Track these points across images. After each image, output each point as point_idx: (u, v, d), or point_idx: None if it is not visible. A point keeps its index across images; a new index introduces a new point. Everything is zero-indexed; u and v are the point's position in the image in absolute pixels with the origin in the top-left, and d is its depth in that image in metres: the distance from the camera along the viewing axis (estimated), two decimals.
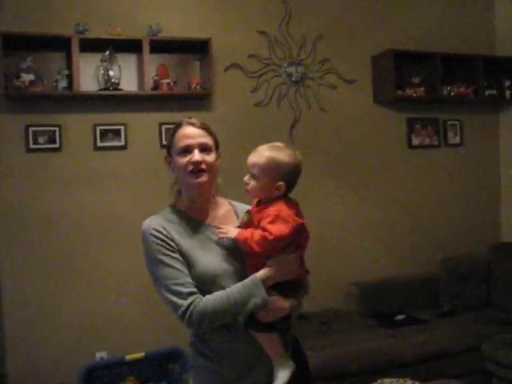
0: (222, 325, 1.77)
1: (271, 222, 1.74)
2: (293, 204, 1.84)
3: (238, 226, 1.89)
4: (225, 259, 1.83)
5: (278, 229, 1.73)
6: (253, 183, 1.81)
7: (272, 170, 1.80)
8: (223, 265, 1.81)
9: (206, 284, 1.77)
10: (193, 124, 1.87)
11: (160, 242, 1.79)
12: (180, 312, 1.72)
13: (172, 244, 1.80)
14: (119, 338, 3.91)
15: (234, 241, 1.80)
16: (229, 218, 1.96)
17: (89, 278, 3.86)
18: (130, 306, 3.93)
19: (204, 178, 1.85)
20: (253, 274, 1.79)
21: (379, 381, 3.09)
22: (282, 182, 1.82)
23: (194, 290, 1.76)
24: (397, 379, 3.04)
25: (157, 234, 1.80)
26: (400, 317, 4.20)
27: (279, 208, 1.78)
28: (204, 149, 1.85)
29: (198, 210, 1.91)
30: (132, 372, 3.86)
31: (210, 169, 1.86)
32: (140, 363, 3.88)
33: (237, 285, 1.75)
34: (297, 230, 1.78)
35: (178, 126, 1.88)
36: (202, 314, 1.71)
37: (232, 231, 1.82)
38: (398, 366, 3.65)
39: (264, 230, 1.74)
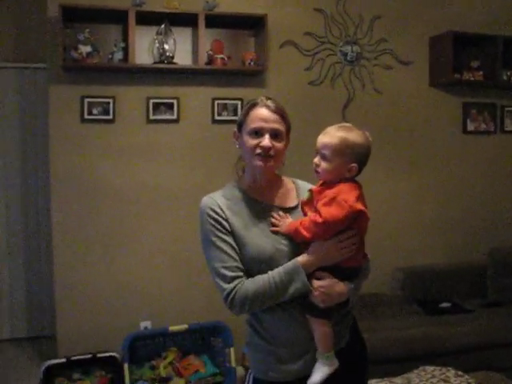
0: (278, 306, 1.77)
1: (326, 204, 1.70)
2: (357, 187, 1.78)
3: (298, 205, 1.88)
4: (280, 239, 1.80)
5: (329, 212, 1.68)
6: (324, 165, 1.76)
7: (345, 151, 1.74)
8: (277, 245, 1.79)
9: (259, 264, 1.77)
10: (268, 107, 1.82)
11: (213, 223, 1.79)
12: (224, 295, 1.74)
13: (225, 225, 1.79)
14: (163, 310, 3.98)
15: (286, 234, 1.78)
16: (289, 197, 1.93)
17: (136, 250, 3.93)
18: (175, 278, 3.99)
19: (270, 164, 1.83)
20: None
21: (421, 368, 3.06)
22: (354, 163, 1.77)
23: (240, 274, 1.75)
24: (439, 368, 3.01)
25: (212, 213, 1.80)
26: (445, 304, 4.14)
27: (339, 190, 1.72)
28: (275, 135, 1.81)
29: (258, 190, 1.89)
30: (174, 343, 3.94)
31: (278, 155, 1.83)
32: (183, 335, 3.96)
33: (278, 269, 1.74)
34: (352, 217, 1.71)
35: (254, 105, 1.83)
36: (244, 298, 1.71)
37: (283, 225, 1.79)
38: (440, 355, 3.61)
39: (316, 211, 1.72)
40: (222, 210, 1.81)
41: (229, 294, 1.73)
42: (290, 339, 1.80)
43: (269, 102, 1.83)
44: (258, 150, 1.79)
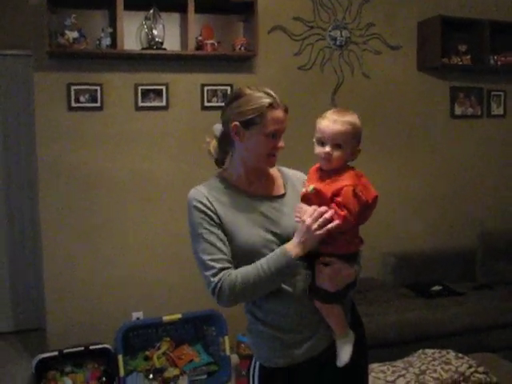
0: (280, 291, 1.76)
1: (351, 200, 1.68)
2: (362, 174, 1.79)
3: (285, 194, 1.88)
4: (268, 230, 1.79)
5: (355, 209, 1.67)
6: (338, 153, 1.73)
7: (355, 135, 1.76)
8: (267, 235, 1.77)
9: (249, 255, 1.75)
10: (281, 108, 1.78)
11: (201, 215, 1.77)
12: (211, 287, 1.71)
13: (214, 217, 1.77)
14: (155, 299, 3.93)
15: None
16: (276, 185, 1.91)
17: (127, 238, 3.87)
18: (166, 267, 3.94)
19: (275, 161, 1.86)
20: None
21: (420, 351, 3.07)
22: (359, 147, 1.79)
23: (228, 265, 1.73)
24: (439, 350, 3.02)
25: (199, 205, 1.78)
26: (436, 288, 4.17)
27: (352, 182, 1.71)
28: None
29: (245, 181, 1.86)
30: (168, 333, 3.90)
31: None
32: (176, 325, 3.92)
33: (266, 257, 1.72)
34: (367, 206, 1.74)
35: (271, 105, 1.76)
36: (232, 287, 1.69)
37: (308, 212, 1.71)
38: (435, 337, 3.64)
39: (345, 207, 1.67)
40: (209, 202, 1.78)
41: (216, 284, 1.70)
42: (293, 323, 1.79)
43: (280, 102, 1.78)
44: (275, 152, 1.80)
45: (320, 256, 1.76)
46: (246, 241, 1.75)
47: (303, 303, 1.79)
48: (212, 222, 1.76)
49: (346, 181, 1.71)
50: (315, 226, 1.66)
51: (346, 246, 1.77)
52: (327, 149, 1.73)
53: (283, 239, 1.77)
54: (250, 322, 1.88)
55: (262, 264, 1.70)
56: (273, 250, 1.74)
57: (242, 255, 1.75)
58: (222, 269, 1.72)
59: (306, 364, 1.82)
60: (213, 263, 1.72)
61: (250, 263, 1.74)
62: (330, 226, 1.66)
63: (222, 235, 1.76)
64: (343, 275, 1.76)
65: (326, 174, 1.77)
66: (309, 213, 1.69)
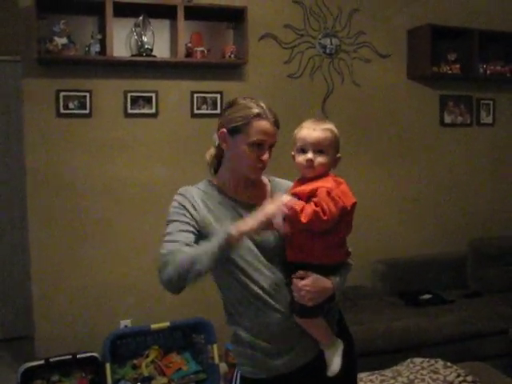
0: (257, 299, 1.75)
1: (325, 200, 1.67)
2: (341, 181, 1.78)
3: None
4: (250, 237, 1.76)
5: (330, 209, 1.65)
6: (321, 159, 1.74)
7: (335, 142, 1.78)
8: (248, 243, 1.76)
9: (230, 260, 1.74)
10: (269, 120, 1.78)
11: (180, 206, 1.78)
12: (158, 265, 1.69)
13: (192, 212, 1.77)
14: (143, 308, 3.90)
15: (286, 206, 1.65)
16: (262, 195, 1.90)
17: (115, 246, 3.84)
18: (155, 275, 3.88)
19: (261, 174, 1.86)
20: (290, 253, 1.76)
21: (409, 360, 3.06)
22: (339, 154, 1.81)
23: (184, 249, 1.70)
24: (427, 359, 3.01)
25: (181, 198, 1.79)
26: (426, 296, 4.16)
27: (330, 186, 1.71)
28: (270, 146, 1.81)
29: (234, 188, 1.87)
30: (156, 341, 3.87)
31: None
32: (165, 333, 3.89)
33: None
34: (345, 211, 1.71)
35: (258, 115, 1.76)
36: (172, 262, 1.65)
37: (285, 199, 1.70)
38: (424, 346, 3.63)
39: (318, 205, 1.66)
40: (194, 199, 1.79)
41: (162, 260, 1.67)
42: (275, 334, 1.78)
43: (270, 115, 1.79)
44: (260, 165, 1.79)
45: (298, 270, 1.75)
46: None
47: (285, 315, 1.77)
48: (188, 216, 1.76)
49: (322, 183, 1.72)
50: (271, 207, 1.63)
51: (324, 255, 1.75)
52: (309, 155, 1.74)
53: (263, 248, 1.78)
54: (234, 333, 1.87)
55: (201, 244, 1.69)
56: (254, 258, 1.76)
57: (223, 259, 1.72)
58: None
59: (288, 376, 1.81)
60: (172, 244, 1.70)
61: (229, 269, 1.74)
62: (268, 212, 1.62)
63: (192, 230, 1.74)
64: (319, 289, 1.73)
65: (306, 182, 1.78)
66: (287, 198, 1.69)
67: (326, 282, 1.74)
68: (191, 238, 1.73)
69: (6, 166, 4.64)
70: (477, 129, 4.79)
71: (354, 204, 1.75)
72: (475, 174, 4.79)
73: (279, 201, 1.66)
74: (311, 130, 1.76)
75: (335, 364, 1.79)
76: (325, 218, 1.64)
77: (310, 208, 1.66)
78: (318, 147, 1.74)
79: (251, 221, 1.63)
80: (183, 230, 1.74)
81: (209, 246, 1.64)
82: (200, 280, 1.66)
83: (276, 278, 1.78)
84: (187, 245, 1.70)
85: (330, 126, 1.79)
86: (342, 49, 4.31)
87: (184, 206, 1.78)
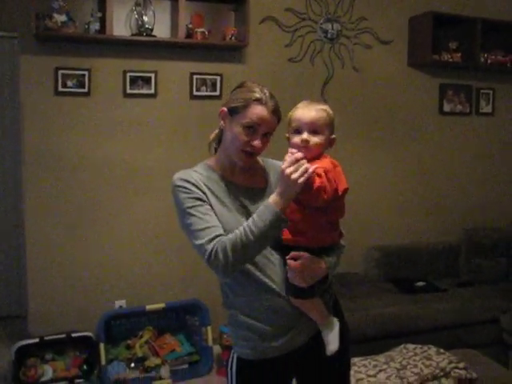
0: (253, 280, 1.76)
1: (326, 178, 1.67)
2: (336, 163, 1.77)
3: (267, 187, 1.89)
4: (246, 219, 1.78)
5: (329, 189, 1.66)
6: (316, 139, 1.74)
7: (330, 123, 1.79)
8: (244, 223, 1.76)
9: None
10: (268, 107, 1.77)
11: (188, 191, 1.77)
12: (206, 256, 1.69)
13: (201, 193, 1.77)
14: (139, 288, 3.91)
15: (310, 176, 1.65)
16: (259, 177, 1.92)
17: (111, 227, 3.84)
18: (151, 256, 3.92)
19: (252, 160, 1.85)
20: (284, 235, 1.77)
21: (402, 345, 3.09)
22: (334, 135, 1.81)
23: (222, 232, 1.72)
24: (420, 346, 3.04)
25: (185, 184, 1.78)
26: (420, 283, 4.19)
27: (327, 166, 1.71)
28: (265, 134, 1.80)
29: (231, 170, 1.87)
30: (151, 322, 3.89)
31: (260, 152, 1.84)
32: (159, 314, 3.91)
33: (252, 216, 1.70)
34: (336, 195, 1.71)
35: (258, 100, 1.76)
36: (224, 250, 1.66)
37: (286, 162, 1.68)
38: (416, 333, 3.66)
39: (322, 182, 1.66)
40: (197, 182, 1.79)
41: (211, 252, 1.67)
42: (271, 315, 1.79)
43: (270, 102, 1.78)
44: (248, 148, 1.78)
45: (292, 251, 1.76)
46: (229, 228, 1.74)
47: (282, 297, 1.79)
48: (200, 197, 1.76)
49: (319, 163, 1.71)
50: (295, 174, 1.63)
51: (317, 237, 1.76)
52: (304, 135, 1.74)
53: None
54: (230, 314, 1.88)
55: (248, 224, 1.68)
56: None
57: None
58: (217, 235, 1.70)
59: (284, 358, 1.82)
60: (206, 231, 1.71)
61: None
62: (309, 171, 1.63)
63: (211, 209, 1.76)
64: (313, 270, 1.75)
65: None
66: (288, 161, 1.66)
67: (320, 263, 1.76)
68: (215, 217, 1.75)
69: (2, 144, 4.59)
70: (476, 118, 4.79)
71: (346, 190, 1.74)
72: (473, 164, 4.80)
73: (307, 172, 1.64)
74: (306, 111, 1.76)
75: (333, 343, 1.80)
76: (325, 196, 1.66)
77: (315, 183, 1.66)
78: (313, 127, 1.74)
79: (288, 191, 1.65)
80: (207, 214, 1.74)
81: (257, 228, 1.65)
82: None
83: (273, 260, 1.79)
84: (220, 227, 1.73)
85: (324, 106, 1.80)
86: (343, 34, 4.28)
87: (190, 190, 1.77)
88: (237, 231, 1.69)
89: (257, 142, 1.77)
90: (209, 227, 1.71)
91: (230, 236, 1.69)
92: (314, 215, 1.73)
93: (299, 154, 1.66)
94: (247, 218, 1.77)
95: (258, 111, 1.76)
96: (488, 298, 4.02)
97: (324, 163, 1.73)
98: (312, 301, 1.79)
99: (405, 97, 4.52)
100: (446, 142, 4.69)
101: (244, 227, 1.68)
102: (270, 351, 1.81)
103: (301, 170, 1.63)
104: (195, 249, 1.74)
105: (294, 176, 1.62)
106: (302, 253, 1.75)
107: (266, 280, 1.78)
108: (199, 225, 1.72)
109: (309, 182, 1.64)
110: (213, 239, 1.69)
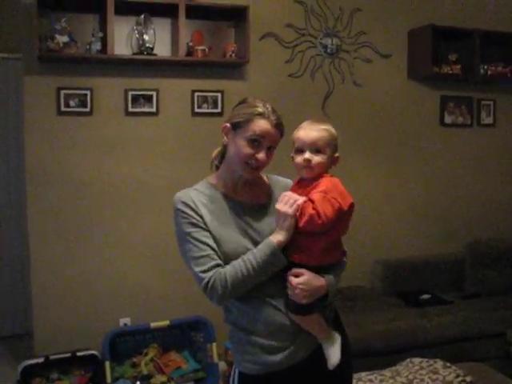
0: (254, 296, 1.78)
1: (321, 204, 1.69)
2: (338, 182, 1.79)
3: (270, 203, 1.90)
4: (250, 238, 1.81)
5: (325, 213, 1.68)
6: (318, 158, 1.77)
7: (333, 142, 1.81)
8: (248, 244, 1.79)
9: (231, 260, 1.76)
10: (272, 121, 1.80)
11: (187, 216, 1.78)
12: (203, 285, 1.72)
13: (198, 218, 1.78)
14: (143, 306, 3.90)
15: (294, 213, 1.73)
16: (262, 194, 1.93)
17: (114, 245, 3.84)
18: (155, 273, 3.92)
19: (256, 174, 1.87)
20: (289, 253, 1.78)
21: (408, 359, 3.07)
22: (337, 154, 1.83)
23: (219, 262, 1.75)
24: (426, 359, 3.02)
25: (184, 208, 1.79)
26: (425, 296, 4.17)
27: (327, 188, 1.73)
28: (269, 148, 1.82)
29: (233, 187, 1.88)
30: (155, 339, 3.88)
31: (265, 166, 1.85)
32: (164, 331, 3.90)
33: (252, 250, 1.75)
34: (342, 212, 1.73)
35: (260, 114, 1.79)
36: (224, 282, 1.70)
37: (281, 201, 1.77)
38: (422, 346, 3.64)
39: (315, 209, 1.69)
40: (195, 205, 1.80)
41: (208, 281, 1.71)
42: (271, 330, 1.80)
43: (273, 116, 1.81)
44: (253, 162, 1.80)
45: (293, 267, 1.78)
46: (229, 248, 1.77)
47: (282, 312, 1.80)
48: (199, 223, 1.78)
49: (319, 186, 1.75)
50: (285, 207, 1.72)
51: (320, 256, 1.78)
52: (307, 155, 1.77)
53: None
54: (231, 329, 1.89)
55: (248, 258, 1.72)
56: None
57: (224, 262, 1.77)
58: (214, 266, 1.73)
59: (286, 372, 1.82)
60: (202, 260, 1.73)
61: None
62: (298, 202, 1.72)
63: (209, 235, 1.77)
64: (313, 287, 1.75)
65: (304, 184, 1.81)
66: (282, 200, 1.75)
67: (320, 281, 1.77)
68: (214, 246, 1.77)
69: (6, 164, 4.63)
70: (477, 129, 4.79)
71: (352, 204, 1.76)
72: (475, 175, 4.79)
73: (296, 204, 1.73)
74: (308, 131, 1.80)
75: (334, 356, 1.81)
76: (319, 221, 1.67)
77: (307, 211, 1.70)
78: (315, 147, 1.77)
79: (283, 229, 1.74)
80: (204, 242, 1.76)
81: (255, 263, 1.71)
82: None
83: (275, 277, 1.79)
84: (218, 256, 1.76)
85: (326, 126, 1.82)
86: (343, 48, 4.30)
87: (189, 215, 1.78)
88: (235, 264, 1.72)
89: (261, 155, 1.79)
90: (205, 256, 1.74)
91: (229, 268, 1.72)
92: (315, 237, 1.74)
93: (288, 192, 1.77)
94: (250, 237, 1.79)
95: (261, 125, 1.78)
96: (494, 310, 3.99)
97: (324, 184, 1.75)
98: (311, 317, 1.79)
99: (406, 110, 4.53)
100: (448, 153, 4.69)
101: (244, 260, 1.72)
102: (271, 365, 1.81)
103: (289, 202, 1.72)
104: (192, 274, 1.77)
105: (284, 209, 1.71)
106: (302, 270, 1.76)
107: (265, 295, 1.79)
108: (196, 252, 1.75)
109: (302, 212, 1.70)
110: (209, 270, 1.72)
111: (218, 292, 1.70)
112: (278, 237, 1.73)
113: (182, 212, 1.79)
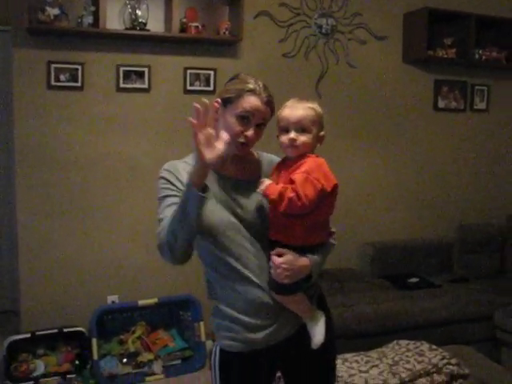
0: (236, 273, 1.77)
1: (302, 185, 1.66)
2: (324, 162, 1.76)
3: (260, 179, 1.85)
4: (234, 212, 1.79)
5: (306, 194, 1.65)
6: (303, 138, 1.74)
7: (319, 120, 1.78)
8: (231, 218, 1.78)
9: (212, 234, 1.76)
10: (263, 98, 1.77)
11: (168, 182, 1.79)
12: (157, 244, 1.73)
13: (179, 185, 1.77)
14: (131, 284, 3.90)
15: (264, 194, 1.72)
16: (252, 170, 1.91)
17: (103, 222, 3.82)
18: (143, 251, 3.90)
19: (246, 150, 1.84)
20: (272, 232, 1.77)
21: (395, 341, 3.08)
22: (323, 132, 1.80)
23: None
24: (413, 341, 3.03)
25: (168, 175, 1.80)
26: (413, 279, 4.19)
27: (309, 168, 1.70)
28: (258, 125, 1.79)
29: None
30: (143, 317, 3.88)
31: (254, 142, 1.83)
32: (152, 309, 3.90)
33: None
34: (323, 195, 1.70)
35: (251, 91, 1.77)
36: (165, 234, 1.69)
37: (266, 184, 1.74)
38: (410, 329, 3.66)
39: (294, 191, 1.66)
40: (179, 172, 1.80)
41: (157, 236, 1.71)
42: (255, 308, 1.79)
43: (264, 93, 1.78)
44: (242, 139, 1.78)
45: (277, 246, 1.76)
46: (209, 220, 1.74)
47: (264, 290, 1.79)
48: (177, 191, 1.76)
49: (303, 166, 1.72)
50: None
51: (304, 236, 1.76)
52: (292, 135, 1.74)
53: (247, 223, 1.79)
54: (215, 306, 1.88)
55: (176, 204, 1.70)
56: (237, 232, 1.77)
57: (205, 233, 1.76)
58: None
59: (267, 351, 1.83)
60: (162, 221, 1.73)
61: (214, 242, 1.76)
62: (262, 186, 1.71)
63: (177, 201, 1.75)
64: (296, 267, 1.74)
65: (289, 163, 1.78)
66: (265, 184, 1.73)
67: (303, 261, 1.75)
68: None
69: None
70: (470, 114, 4.79)
71: (335, 186, 1.73)
72: (466, 160, 4.80)
73: (262, 187, 1.72)
74: (293, 109, 1.76)
75: (318, 336, 1.80)
76: (299, 203, 1.64)
77: (285, 195, 1.66)
78: (301, 126, 1.74)
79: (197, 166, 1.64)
80: (172, 204, 1.74)
81: (179, 207, 1.66)
82: (190, 241, 1.71)
83: (259, 255, 1.79)
84: None
85: (312, 104, 1.79)
86: (338, 29, 4.27)
87: (169, 181, 1.79)
88: (169, 216, 1.71)
89: (250, 133, 1.77)
90: (166, 216, 1.72)
91: (167, 219, 1.71)
92: (302, 217, 1.72)
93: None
94: (232, 211, 1.78)
95: (252, 101, 1.76)
96: (481, 294, 4.03)
97: (307, 164, 1.72)
98: (295, 296, 1.78)
99: (399, 93, 4.52)
100: (441, 138, 4.69)
101: (174, 212, 1.69)
102: (253, 343, 1.80)
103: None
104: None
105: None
106: (285, 250, 1.74)
107: (248, 273, 1.78)
108: (161, 214, 1.75)
109: (281, 197, 1.67)
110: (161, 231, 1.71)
111: (162, 248, 1.70)
112: (192, 177, 1.64)
113: (164, 178, 1.79)
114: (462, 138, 4.77)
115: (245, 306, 1.79)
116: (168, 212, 1.72)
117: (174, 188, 1.77)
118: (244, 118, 1.76)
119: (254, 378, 1.86)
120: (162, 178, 1.81)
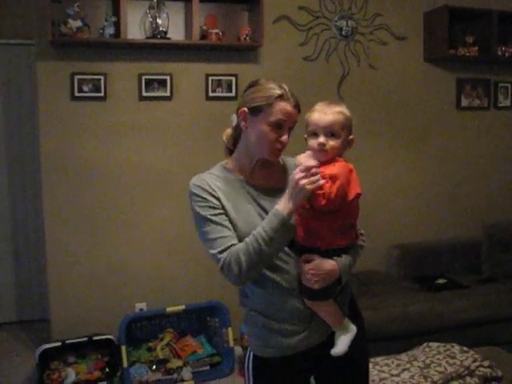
0: (268, 279, 1.77)
1: (328, 185, 1.66)
2: (352, 169, 1.74)
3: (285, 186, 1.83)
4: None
5: (330, 196, 1.64)
6: (333, 143, 1.73)
7: (348, 124, 1.77)
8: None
9: None
10: (290, 102, 1.78)
11: (203, 199, 1.77)
12: (219, 266, 1.72)
13: (215, 201, 1.77)
14: (159, 291, 3.92)
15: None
16: (278, 177, 1.90)
17: (130, 230, 3.85)
18: (170, 259, 3.93)
19: (279, 155, 1.85)
20: (299, 237, 1.77)
21: (425, 344, 3.05)
22: (352, 136, 1.79)
23: (235, 242, 1.73)
24: (443, 344, 3.00)
25: (200, 192, 1.78)
26: (441, 281, 4.14)
27: (338, 173, 1.68)
28: (289, 129, 1.81)
29: (249, 171, 1.86)
30: (171, 324, 3.90)
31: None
32: (180, 316, 3.92)
33: (261, 224, 1.71)
34: (346, 201, 1.69)
35: (280, 97, 1.76)
36: (236, 259, 1.68)
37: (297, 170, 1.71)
38: (439, 331, 3.62)
39: (323, 188, 1.66)
40: (211, 188, 1.79)
41: (224, 261, 1.70)
42: (286, 315, 1.80)
43: (292, 98, 1.78)
44: (279, 146, 1.79)
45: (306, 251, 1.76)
46: (244, 232, 1.75)
47: (296, 296, 1.79)
48: (216, 206, 1.77)
49: (331, 169, 1.70)
50: (303, 181, 1.64)
51: (331, 238, 1.75)
52: (321, 139, 1.73)
53: None
54: (246, 313, 1.89)
55: (258, 231, 1.69)
56: None
57: None
58: (230, 246, 1.72)
59: (300, 356, 1.83)
60: (219, 241, 1.72)
61: None
62: (320, 182, 1.64)
63: (225, 217, 1.77)
64: (325, 271, 1.73)
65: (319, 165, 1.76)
66: (299, 169, 1.67)
67: (332, 265, 1.75)
68: (230, 226, 1.76)
69: (20, 150, 4.64)
70: (494, 112, 4.73)
71: (358, 195, 1.72)
72: (492, 158, 4.73)
73: (317, 183, 1.66)
74: (322, 114, 1.75)
75: (341, 346, 1.79)
76: (323, 202, 1.65)
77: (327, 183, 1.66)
78: (330, 130, 1.73)
79: (295, 197, 1.66)
80: (220, 223, 1.75)
81: (267, 234, 1.66)
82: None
83: (291, 261, 1.79)
84: (235, 237, 1.74)
85: (341, 108, 1.77)
86: (359, 31, 4.25)
87: (204, 198, 1.78)
88: (247, 239, 1.70)
89: (285, 137, 1.78)
90: (222, 237, 1.73)
91: (241, 245, 1.70)
92: (325, 219, 1.72)
93: (311, 162, 1.68)
94: (261, 218, 1.77)
95: (283, 107, 1.76)
96: (511, 293, 3.96)
97: (336, 168, 1.70)
98: (325, 303, 1.78)
99: (422, 93, 4.48)
100: (465, 137, 4.64)
101: (254, 234, 1.69)
102: (286, 349, 1.81)
103: (312, 178, 1.64)
104: (210, 257, 1.76)
105: (303, 182, 1.63)
106: (313, 255, 1.75)
107: (281, 280, 1.78)
108: (213, 234, 1.74)
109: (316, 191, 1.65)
110: (225, 250, 1.71)
111: (233, 271, 1.69)
112: (285, 206, 1.67)
113: (198, 196, 1.78)
114: (486, 136, 4.70)
115: (277, 313, 1.80)
116: (223, 231, 1.74)
117: (213, 204, 1.77)
118: (277, 125, 1.76)
119: (288, 382, 1.87)
120: (195, 194, 1.79)
